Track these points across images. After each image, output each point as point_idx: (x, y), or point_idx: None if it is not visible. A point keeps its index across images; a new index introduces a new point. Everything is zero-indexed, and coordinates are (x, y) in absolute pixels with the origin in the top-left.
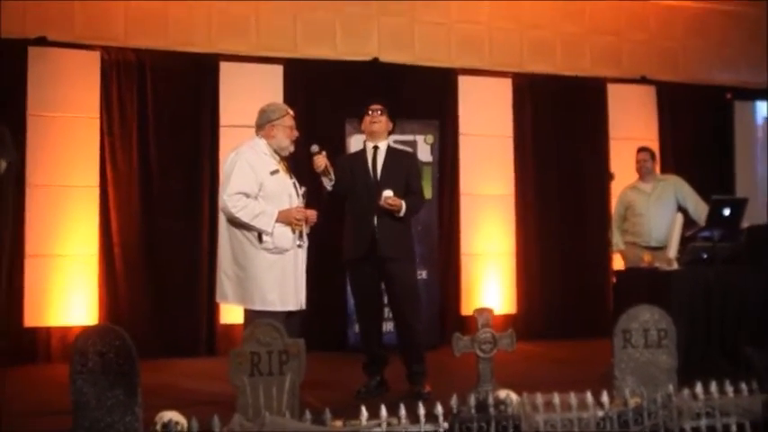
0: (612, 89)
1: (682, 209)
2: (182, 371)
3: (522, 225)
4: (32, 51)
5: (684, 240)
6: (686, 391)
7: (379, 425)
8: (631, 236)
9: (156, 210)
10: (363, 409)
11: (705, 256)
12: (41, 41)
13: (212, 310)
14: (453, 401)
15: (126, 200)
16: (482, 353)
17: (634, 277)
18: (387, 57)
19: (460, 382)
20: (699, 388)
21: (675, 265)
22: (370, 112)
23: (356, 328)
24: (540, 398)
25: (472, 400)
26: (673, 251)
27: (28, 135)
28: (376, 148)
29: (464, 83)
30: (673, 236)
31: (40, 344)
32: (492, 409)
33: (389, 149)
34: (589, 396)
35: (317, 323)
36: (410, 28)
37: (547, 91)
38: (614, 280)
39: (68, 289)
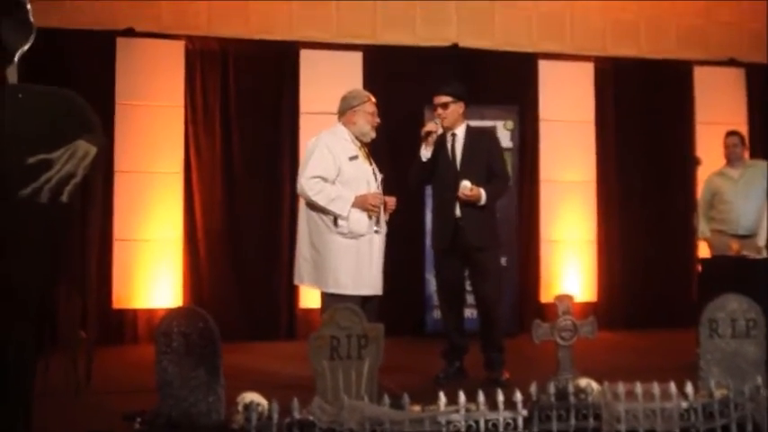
0: (699, 72)
1: None
2: (262, 354)
3: (603, 212)
4: (120, 42)
5: None
6: None
7: (458, 411)
8: (718, 223)
9: (239, 195)
10: (442, 394)
11: None
12: (129, 32)
13: (292, 294)
14: (533, 389)
15: (209, 186)
16: (562, 340)
17: (721, 265)
18: (466, 42)
19: (540, 370)
20: None
21: (765, 254)
22: (435, 110)
23: (434, 313)
24: (621, 387)
25: (552, 388)
26: (762, 239)
27: (116, 123)
28: (453, 135)
29: (545, 67)
30: (762, 223)
31: (127, 325)
32: (572, 398)
33: (468, 133)
34: (672, 386)
35: (395, 308)
36: (490, 12)
37: (630, 75)
38: (699, 268)
39: (154, 272)
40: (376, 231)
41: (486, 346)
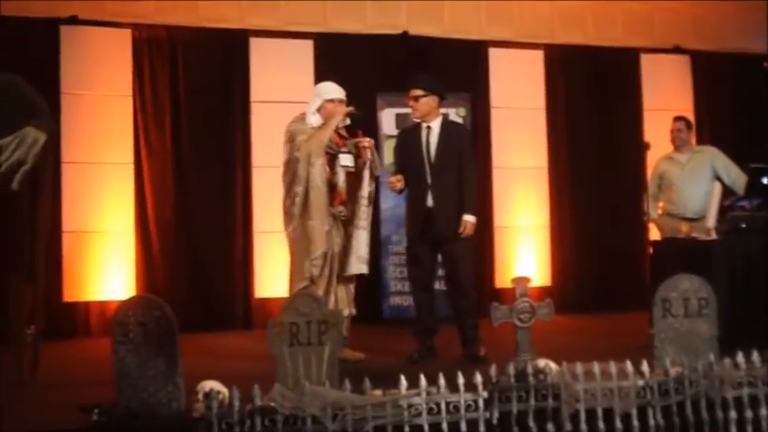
0: (645, 59)
1: (719, 179)
2: (219, 344)
3: (555, 197)
4: (64, 30)
5: (723, 210)
6: (727, 361)
7: (419, 394)
8: (668, 206)
9: (190, 185)
10: (402, 378)
11: (744, 225)
12: (73, 20)
13: (248, 284)
14: (492, 370)
15: (160, 176)
16: (520, 322)
17: (671, 247)
18: (416, 30)
19: (499, 353)
20: (740, 357)
21: (714, 235)
22: (409, 101)
23: (391, 300)
24: (579, 367)
25: (511, 370)
26: (711, 221)
27: (62, 113)
28: (429, 128)
29: (495, 55)
30: (711, 205)
31: (79, 318)
32: (531, 378)
33: (443, 126)
34: (629, 365)
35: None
36: (439, 0)
37: (579, 62)
38: (651, 250)
39: (106, 264)
40: None
41: (462, 325)
